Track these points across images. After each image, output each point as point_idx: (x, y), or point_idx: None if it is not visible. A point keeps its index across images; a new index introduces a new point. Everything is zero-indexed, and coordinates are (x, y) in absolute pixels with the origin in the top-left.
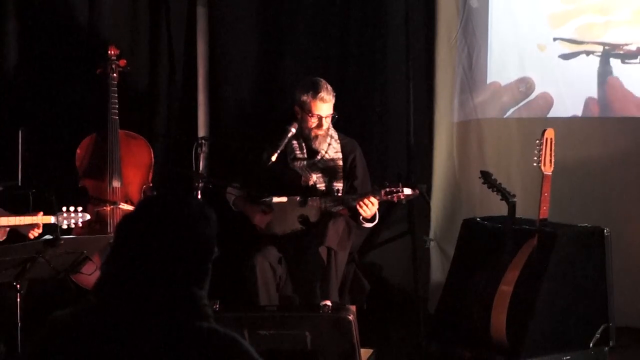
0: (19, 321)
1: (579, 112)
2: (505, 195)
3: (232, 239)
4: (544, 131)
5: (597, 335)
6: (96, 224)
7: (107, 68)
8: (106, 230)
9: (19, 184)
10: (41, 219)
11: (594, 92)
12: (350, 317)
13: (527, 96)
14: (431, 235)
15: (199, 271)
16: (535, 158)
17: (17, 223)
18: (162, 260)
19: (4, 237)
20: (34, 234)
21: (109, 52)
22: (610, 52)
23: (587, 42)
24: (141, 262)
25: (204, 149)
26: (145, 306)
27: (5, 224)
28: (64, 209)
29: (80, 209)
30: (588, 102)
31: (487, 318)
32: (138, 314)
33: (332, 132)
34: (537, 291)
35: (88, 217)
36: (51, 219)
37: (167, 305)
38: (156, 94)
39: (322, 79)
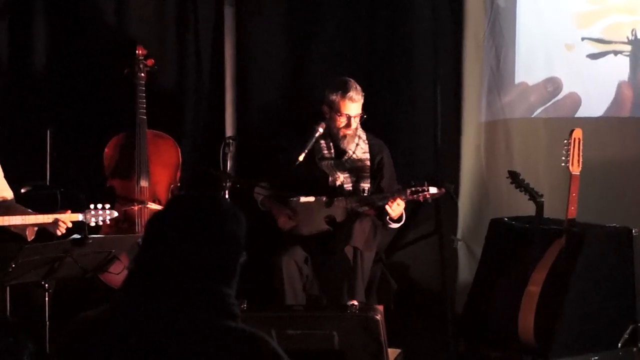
0: (47, 320)
1: (607, 112)
2: (533, 195)
3: (259, 238)
4: (571, 131)
5: (626, 336)
6: (124, 224)
7: (134, 68)
8: (134, 230)
9: (48, 184)
10: (69, 216)
11: (622, 92)
12: (378, 317)
13: (555, 96)
14: (459, 235)
15: (228, 270)
16: (563, 158)
17: (45, 221)
18: (190, 258)
19: (33, 237)
20: (61, 230)
21: (137, 52)
22: (639, 51)
23: (615, 42)
24: (169, 260)
25: (231, 148)
26: (173, 305)
27: (34, 221)
28: (92, 206)
29: (107, 206)
30: (616, 101)
31: (514, 318)
32: (166, 313)
33: (360, 132)
34: (565, 291)
35: (116, 214)
36: (79, 217)
37: (195, 304)
38: (184, 93)
39: (351, 79)
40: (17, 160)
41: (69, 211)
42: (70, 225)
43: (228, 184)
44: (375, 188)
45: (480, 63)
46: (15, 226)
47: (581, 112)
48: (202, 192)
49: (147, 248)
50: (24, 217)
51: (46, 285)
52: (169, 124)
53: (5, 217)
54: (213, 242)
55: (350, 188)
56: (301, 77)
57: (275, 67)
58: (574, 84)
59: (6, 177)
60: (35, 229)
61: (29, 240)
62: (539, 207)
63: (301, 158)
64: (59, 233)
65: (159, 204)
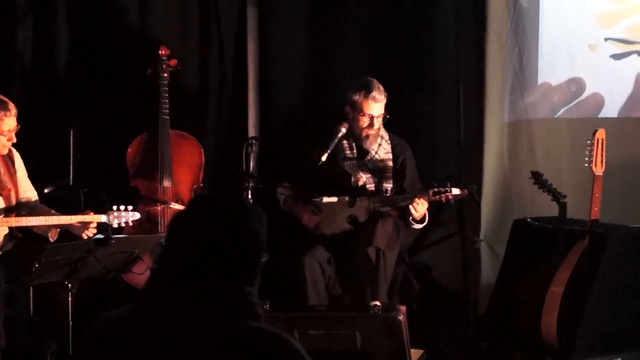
0: (70, 320)
1: (630, 112)
2: (556, 196)
3: (282, 238)
4: (595, 131)
5: None
6: (147, 224)
7: (157, 68)
8: (157, 230)
9: (70, 184)
10: (91, 217)
11: None
12: (400, 318)
13: (578, 96)
14: (481, 235)
15: (250, 268)
16: (587, 158)
17: (67, 222)
18: (212, 257)
19: (56, 238)
20: (87, 234)
21: (160, 52)
22: None
23: (639, 42)
24: (192, 260)
25: (254, 148)
26: (195, 304)
27: (57, 222)
28: (115, 207)
29: (130, 207)
30: (633, 98)
31: (537, 319)
32: (189, 313)
33: (383, 132)
34: (588, 292)
35: (138, 215)
36: (102, 218)
37: (218, 303)
38: (206, 93)
39: (374, 79)
40: (40, 161)
41: (91, 213)
42: (95, 230)
43: (251, 184)
44: (398, 189)
45: (503, 63)
46: (38, 227)
47: (604, 113)
48: (224, 192)
49: (170, 248)
50: (47, 217)
51: (69, 285)
52: (191, 124)
53: (29, 218)
54: (235, 240)
55: (373, 188)
56: (324, 77)
57: (298, 67)
58: (597, 85)
59: (29, 176)
60: (58, 230)
61: (52, 241)
62: (562, 207)
63: (324, 158)
64: (84, 237)
65: (182, 204)
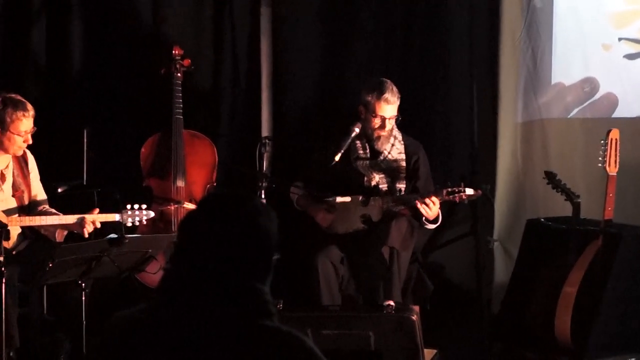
0: (84, 319)
1: None
2: (570, 196)
3: (295, 238)
4: (608, 131)
5: None
6: (160, 223)
7: (171, 68)
8: (170, 230)
9: (84, 184)
10: (105, 216)
11: None
12: (414, 317)
13: (592, 96)
14: (495, 235)
15: (262, 266)
16: (600, 158)
17: (68, 221)
18: (224, 255)
19: (62, 240)
20: (87, 230)
21: (173, 52)
22: None
23: None
24: (204, 258)
25: (267, 148)
26: (208, 303)
27: (71, 221)
28: (128, 206)
29: (144, 206)
30: None
31: (551, 319)
32: (202, 312)
33: (396, 132)
34: (601, 292)
35: (152, 214)
36: (115, 217)
37: (231, 302)
38: (220, 93)
39: (388, 80)
40: (54, 160)
41: (97, 210)
42: (98, 225)
43: (264, 184)
44: (411, 189)
45: (516, 63)
46: (45, 229)
47: (618, 113)
48: (233, 190)
49: (181, 247)
50: (60, 217)
51: (83, 284)
52: (205, 123)
53: (42, 217)
54: (246, 238)
55: (386, 189)
56: (337, 77)
57: (311, 67)
58: (611, 85)
59: (43, 176)
60: (65, 232)
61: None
62: (576, 207)
63: (337, 158)
64: (85, 234)
65: (195, 203)
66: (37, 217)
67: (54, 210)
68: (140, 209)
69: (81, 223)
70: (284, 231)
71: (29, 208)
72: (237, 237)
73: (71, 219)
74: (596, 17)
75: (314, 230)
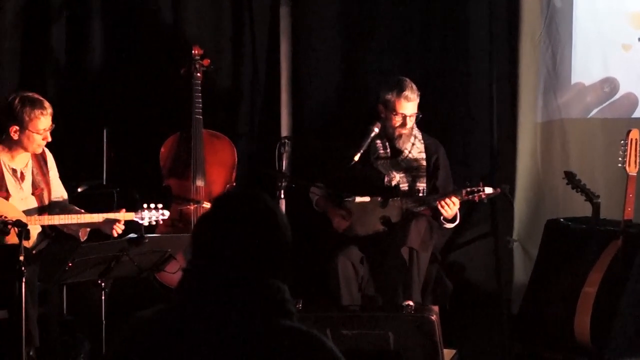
0: (103, 319)
1: None
2: (590, 196)
3: (315, 238)
4: (628, 131)
5: None
6: (180, 223)
7: (191, 68)
8: (189, 229)
9: (104, 183)
10: (122, 215)
11: None
12: (433, 318)
13: (612, 96)
14: (514, 235)
15: (280, 264)
16: (620, 159)
17: (95, 220)
18: (242, 254)
19: (86, 237)
20: (117, 229)
21: (193, 52)
22: None
23: None
24: (221, 257)
25: (287, 148)
26: (228, 303)
27: (89, 220)
28: (145, 205)
29: (160, 205)
30: None
31: (570, 319)
32: (221, 312)
33: (416, 132)
34: (621, 293)
35: (167, 214)
36: (132, 216)
37: (251, 301)
38: (240, 93)
39: (407, 78)
40: (73, 160)
41: (123, 210)
42: (123, 226)
43: (283, 184)
44: (431, 188)
45: (536, 63)
46: (68, 227)
47: (638, 113)
48: (244, 189)
49: (198, 248)
50: (79, 215)
51: (102, 284)
52: (224, 123)
53: (62, 216)
54: (263, 235)
55: (406, 188)
56: (356, 77)
57: (330, 67)
58: (631, 85)
59: (62, 176)
60: (88, 230)
61: (82, 241)
62: (596, 207)
63: (357, 158)
64: (115, 234)
65: None
66: (57, 216)
67: (76, 208)
68: (156, 208)
69: (109, 223)
70: (304, 232)
71: (49, 207)
72: (254, 236)
73: (97, 217)
74: (616, 17)
75: (334, 230)
